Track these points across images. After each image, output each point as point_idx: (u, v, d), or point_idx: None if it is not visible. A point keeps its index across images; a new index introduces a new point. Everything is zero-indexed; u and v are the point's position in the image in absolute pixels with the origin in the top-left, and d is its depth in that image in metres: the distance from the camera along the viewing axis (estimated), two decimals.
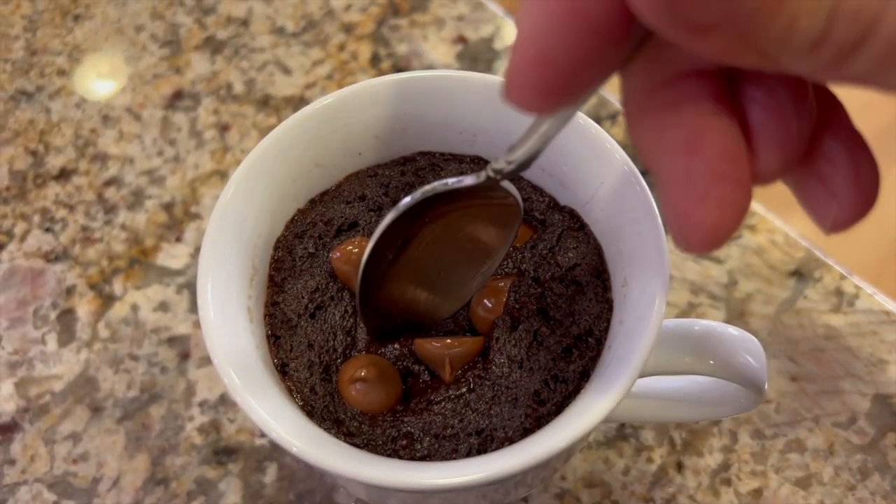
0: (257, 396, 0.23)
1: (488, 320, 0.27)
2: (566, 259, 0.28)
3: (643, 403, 0.30)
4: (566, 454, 0.28)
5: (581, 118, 0.27)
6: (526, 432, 0.24)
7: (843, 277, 0.37)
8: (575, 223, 0.28)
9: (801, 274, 0.37)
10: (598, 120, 0.42)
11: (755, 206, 0.39)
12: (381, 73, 0.44)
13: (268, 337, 0.27)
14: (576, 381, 0.25)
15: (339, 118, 0.28)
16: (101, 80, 0.44)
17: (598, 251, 0.28)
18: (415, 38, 0.45)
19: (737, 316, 0.36)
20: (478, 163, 0.30)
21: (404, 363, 0.27)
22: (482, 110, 0.29)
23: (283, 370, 0.26)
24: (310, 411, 0.26)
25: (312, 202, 0.29)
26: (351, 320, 0.27)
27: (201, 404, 0.35)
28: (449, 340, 0.26)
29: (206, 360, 0.36)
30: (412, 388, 0.26)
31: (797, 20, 0.14)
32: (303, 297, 0.28)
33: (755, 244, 0.38)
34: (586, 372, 0.25)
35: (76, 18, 0.47)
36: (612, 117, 0.42)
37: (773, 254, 0.38)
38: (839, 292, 0.36)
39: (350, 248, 0.28)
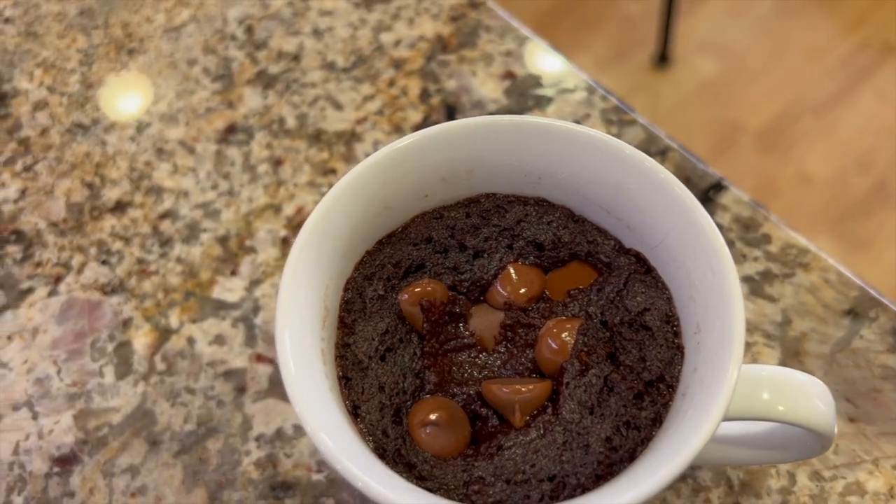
0: (351, 457, 0.23)
1: (555, 363, 0.27)
2: (635, 303, 0.27)
3: (708, 447, 0.30)
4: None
5: (648, 162, 0.27)
6: (598, 479, 0.24)
7: None
8: (642, 267, 0.29)
9: (856, 313, 0.37)
10: (648, 155, 0.42)
11: (808, 244, 0.39)
12: (431, 108, 0.44)
13: (339, 378, 0.27)
14: (648, 427, 0.25)
15: (410, 162, 0.29)
16: (155, 114, 0.45)
17: (667, 296, 0.28)
18: (463, 74, 0.45)
19: (792, 355, 0.36)
20: (542, 205, 0.30)
21: (472, 406, 0.27)
22: (548, 155, 0.29)
23: (355, 412, 0.27)
24: (382, 454, 0.26)
25: (381, 244, 0.30)
26: (419, 362, 0.28)
27: (258, 438, 0.35)
28: (518, 386, 0.26)
29: (263, 394, 0.37)
30: (480, 432, 0.26)
31: None
32: (373, 339, 0.28)
33: (808, 283, 0.38)
34: (659, 418, 0.25)
35: (130, 52, 0.48)
36: (663, 153, 0.42)
37: (826, 292, 0.38)
38: None
39: (417, 289, 0.28)
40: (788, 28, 1.75)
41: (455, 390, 0.27)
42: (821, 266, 0.38)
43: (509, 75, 0.45)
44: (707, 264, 0.25)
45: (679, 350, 0.26)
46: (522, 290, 0.28)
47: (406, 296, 0.28)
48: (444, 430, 0.26)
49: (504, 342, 0.28)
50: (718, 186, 0.41)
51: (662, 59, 1.64)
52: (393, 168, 0.29)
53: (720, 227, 0.40)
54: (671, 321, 0.27)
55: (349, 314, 0.28)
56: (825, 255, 0.38)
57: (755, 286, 0.38)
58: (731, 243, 0.39)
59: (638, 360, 0.26)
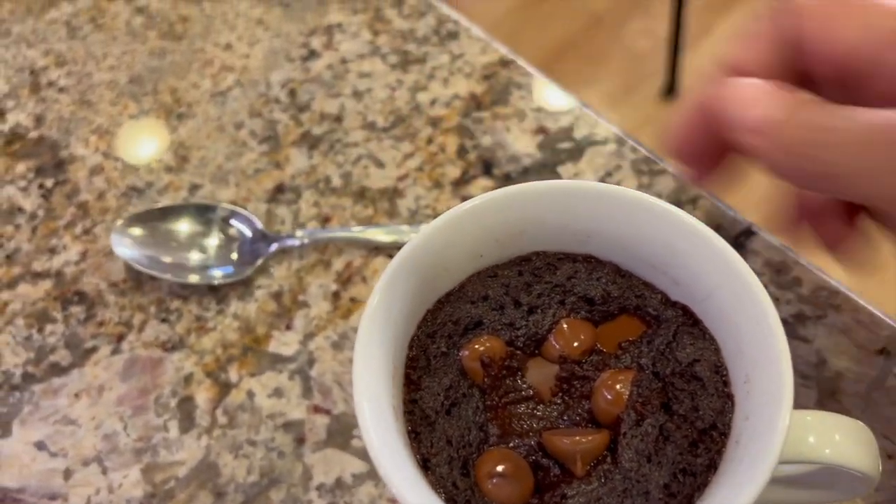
0: None
1: (612, 413, 0.28)
2: (685, 354, 0.29)
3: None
4: None
5: (694, 222, 0.29)
6: None
7: None
8: (689, 319, 0.30)
9: (889, 352, 0.38)
10: (679, 203, 0.44)
11: (839, 286, 0.41)
12: (469, 163, 0.46)
13: (409, 432, 0.29)
14: (703, 473, 0.27)
15: (467, 226, 0.31)
16: (207, 176, 0.48)
17: (715, 347, 0.29)
18: (498, 130, 0.48)
19: (828, 395, 0.38)
20: (589, 261, 0.32)
21: (534, 457, 0.28)
22: (597, 216, 0.31)
23: (425, 465, 0.28)
24: None
25: (440, 302, 0.32)
26: (483, 416, 0.29)
27: (318, 488, 0.37)
28: (577, 437, 0.27)
29: (321, 444, 0.38)
30: (543, 482, 0.28)
31: None
32: (439, 395, 0.30)
33: (841, 323, 0.39)
34: (713, 464, 0.27)
35: (179, 117, 0.50)
36: (693, 201, 0.44)
37: (859, 332, 0.39)
38: None
39: (477, 346, 0.30)
40: None
41: (517, 441, 0.28)
42: (852, 307, 0.40)
43: (541, 130, 0.48)
44: (754, 318, 0.27)
45: (730, 399, 0.28)
46: (576, 344, 0.30)
47: (467, 352, 0.30)
48: (510, 481, 0.27)
49: (560, 394, 0.29)
50: (749, 232, 0.43)
51: (670, 91, 1.67)
52: (452, 232, 0.31)
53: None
54: (720, 371, 0.28)
55: (415, 371, 0.30)
56: (855, 296, 0.40)
57: (789, 328, 0.40)
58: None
59: (691, 410, 0.28)
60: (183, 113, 0.50)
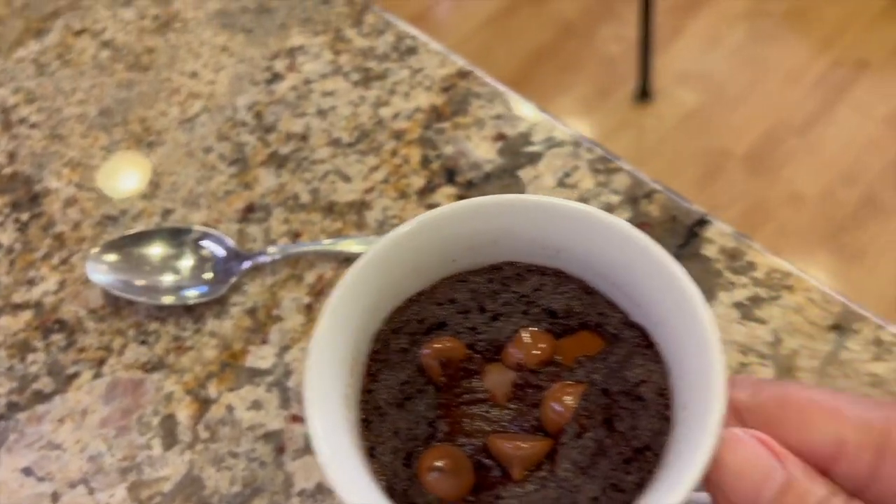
0: (357, 488, 0.26)
1: (557, 423, 0.29)
2: (634, 374, 0.30)
3: None
4: None
5: (655, 248, 0.30)
6: None
7: (879, 327, 0.40)
8: (644, 341, 0.31)
9: (841, 327, 0.40)
10: (635, 199, 0.46)
11: (791, 268, 0.42)
12: (433, 173, 0.48)
13: (361, 421, 0.30)
14: (632, 491, 0.27)
15: (440, 231, 0.32)
16: (179, 201, 0.49)
17: (663, 371, 0.30)
18: (459, 139, 0.49)
19: (785, 371, 0.39)
20: (558, 276, 0.33)
21: (478, 457, 0.29)
22: (566, 232, 0.32)
23: (371, 453, 0.30)
24: (391, 492, 0.29)
25: (409, 301, 0.33)
26: (434, 412, 0.30)
27: (300, 494, 0.38)
28: (520, 442, 0.29)
29: (301, 452, 0.39)
30: (483, 482, 0.29)
31: None
32: (393, 388, 0.31)
33: (794, 303, 0.41)
34: (642, 483, 0.28)
35: (150, 145, 0.51)
36: (648, 195, 0.46)
37: (812, 311, 0.41)
38: (878, 342, 0.39)
39: (437, 345, 0.31)
40: (763, 53, 1.80)
41: (464, 441, 0.30)
42: (804, 287, 0.41)
43: (501, 136, 0.49)
44: (698, 351, 0.27)
45: (668, 422, 0.29)
46: (534, 353, 0.31)
47: (427, 350, 0.31)
48: (449, 476, 0.29)
49: (514, 400, 0.30)
50: (703, 221, 0.44)
51: (644, 94, 1.70)
52: (424, 237, 0.32)
53: (708, 259, 0.43)
54: (664, 394, 0.29)
55: (375, 363, 0.31)
56: (807, 277, 0.42)
57: (745, 311, 0.41)
58: (718, 273, 0.42)
59: (630, 428, 0.29)
60: (153, 141, 0.51)
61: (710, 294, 0.42)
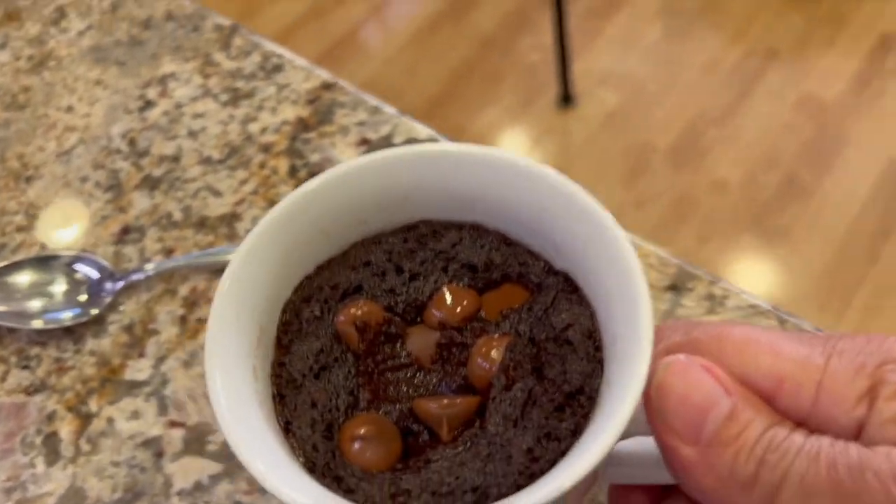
0: (271, 467, 0.25)
1: (485, 379, 0.28)
2: (560, 320, 0.29)
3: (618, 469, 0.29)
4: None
5: (567, 185, 0.29)
6: (519, 489, 0.25)
7: (711, 283, 0.43)
8: (569, 286, 0.30)
9: (676, 287, 0.43)
10: None
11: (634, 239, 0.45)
12: (300, 181, 0.50)
13: (273, 396, 0.29)
14: (568, 438, 0.26)
15: (347, 189, 0.30)
16: (56, 230, 0.51)
17: (590, 313, 0.29)
18: (325, 147, 0.52)
19: None
20: (476, 229, 0.32)
21: (405, 423, 0.28)
22: (477, 181, 0.30)
23: (287, 428, 0.28)
24: (311, 468, 0.27)
25: (320, 268, 0.31)
26: (354, 381, 0.29)
27: (179, 493, 0.40)
28: (446, 401, 0.28)
29: (179, 454, 0.41)
30: (412, 447, 0.28)
31: None
32: (307, 358, 0.29)
33: None
34: (578, 429, 0.26)
35: (28, 180, 0.53)
36: None
37: (650, 274, 0.44)
38: (710, 296, 0.42)
39: (353, 310, 0.30)
40: (679, 48, 1.86)
41: (388, 408, 0.28)
42: (643, 252, 0.44)
43: (365, 141, 0.52)
44: (618, 275, 0.27)
45: (599, 363, 0.28)
46: (457, 310, 0.30)
47: (342, 317, 0.30)
48: (373, 445, 0.27)
49: (439, 361, 0.29)
50: None
51: (566, 99, 1.74)
52: (328, 196, 0.30)
53: None
54: (593, 336, 0.28)
55: (286, 335, 0.30)
56: (643, 243, 0.45)
57: None
58: None
59: (560, 374, 0.27)
60: (31, 175, 0.53)
61: None
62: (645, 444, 0.28)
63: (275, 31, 1.76)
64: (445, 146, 0.30)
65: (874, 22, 1.83)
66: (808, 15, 1.85)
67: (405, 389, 0.29)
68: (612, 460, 0.28)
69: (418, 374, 0.29)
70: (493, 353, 0.28)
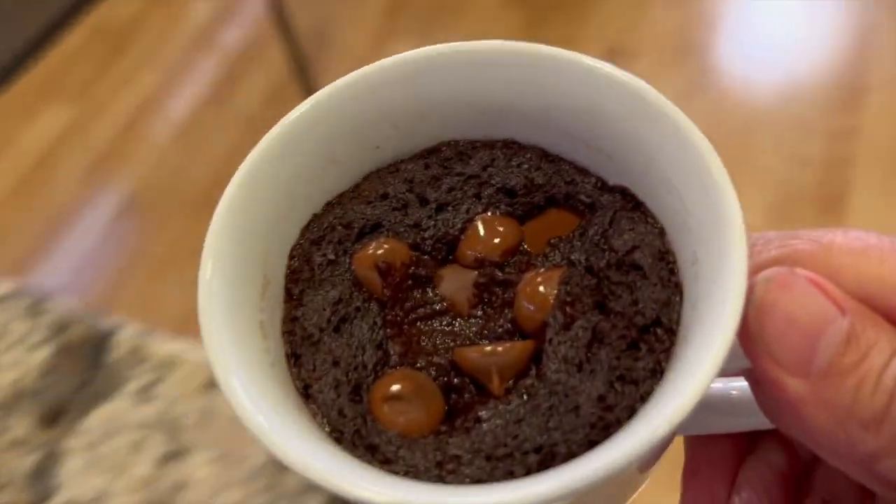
0: (289, 437, 0.20)
1: (537, 320, 0.24)
2: (622, 242, 0.24)
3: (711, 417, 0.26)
4: (647, 461, 0.24)
5: (622, 75, 0.24)
6: (592, 445, 0.22)
7: None
8: (629, 202, 0.25)
9: (213, 384, 0.48)
10: (59, 331, 0.46)
11: (180, 347, 0.50)
12: None
13: (287, 356, 0.24)
14: (647, 380, 0.22)
15: (350, 109, 0.26)
16: None
17: (659, 230, 0.25)
18: None
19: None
20: (510, 147, 0.27)
21: (446, 378, 0.24)
22: (507, 85, 0.26)
23: (306, 392, 0.24)
24: (339, 437, 0.23)
25: (330, 205, 0.26)
26: (381, 333, 0.25)
27: None
28: (494, 347, 0.24)
29: None
30: (456, 405, 0.24)
31: None
32: (324, 310, 0.25)
33: (180, 376, 0.50)
34: (658, 368, 0.23)
35: None
36: (68, 327, 0.47)
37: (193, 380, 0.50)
38: None
39: (372, 251, 0.25)
40: None
41: (424, 362, 0.24)
42: (186, 361, 0.50)
43: None
44: (699, 182, 0.22)
45: (677, 288, 0.23)
46: (495, 243, 0.26)
47: (360, 259, 0.25)
48: (411, 404, 0.23)
49: (480, 305, 0.25)
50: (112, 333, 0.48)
51: None
52: (329, 119, 0.25)
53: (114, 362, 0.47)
54: (665, 257, 0.24)
55: (296, 285, 0.25)
56: (189, 355, 0.51)
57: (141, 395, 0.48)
58: (121, 373, 0.47)
59: (630, 305, 0.23)
60: None
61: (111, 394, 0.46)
62: (731, 384, 0.25)
63: (39, 149, 1.59)
64: (461, 46, 0.26)
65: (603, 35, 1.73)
66: (542, 40, 1.86)
67: (442, 340, 0.25)
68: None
69: (456, 322, 0.25)
70: (545, 289, 0.24)
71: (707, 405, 0.22)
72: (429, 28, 1.73)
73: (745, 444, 0.27)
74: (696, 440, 0.27)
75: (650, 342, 0.23)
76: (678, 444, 0.26)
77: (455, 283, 0.25)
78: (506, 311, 0.25)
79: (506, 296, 0.25)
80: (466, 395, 0.24)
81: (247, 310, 0.23)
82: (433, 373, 0.24)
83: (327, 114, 0.25)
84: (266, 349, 0.23)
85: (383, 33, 1.76)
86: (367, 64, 0.25)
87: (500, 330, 0.25)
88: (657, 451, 0.24)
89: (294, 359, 0.24)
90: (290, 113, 0.25)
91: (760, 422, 0.23)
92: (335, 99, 0.26)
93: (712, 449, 0.27)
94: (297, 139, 0.25)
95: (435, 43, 0.26)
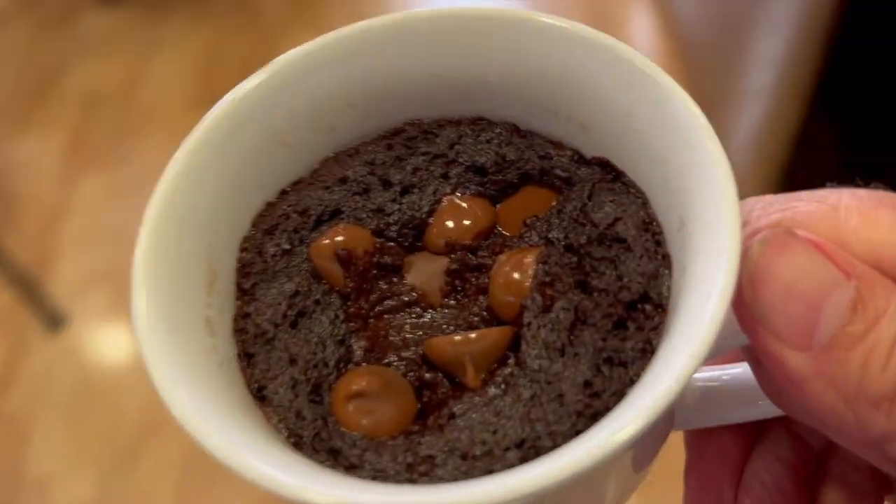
0: (232, 441, 0.18)
1: (515, 305, 0.22)
2: (602, 215, 0.23)
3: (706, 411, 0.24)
4: (641, 456, 0.22)
5: (589, 33, 0.22)
6: (579, 436, 0.19)
7: None
8: (608, 174, 0.24)
9: None
10: None
11: None
12: None
13: (239, 356, 0.22)
14: (637, 360, 0.20)
15: (303, 84, 0.23)
16: None
17: (641, 200, 0.23)
18: None
19: None
20: (478, 123, 0.25)
21: (417, 372, 0.22)
22: (471, 54, 0.23)
23: (260, 394, 0.22)
24: (297, 442, 0.21)
25: (284, 192, 0.25)
26: (343, 327, 0.23)
27: None
28: (468, 335, 0.21)
29: None
30: (429, 402, 0.22)
31: None
32: (279, 304, 0.23)
33: None
34: (649, 346, 0.20)
35: None
36: None
37: None
38: None
39: (330, 238, 0.23)
40: None
41: (393, 358, 0.22)
42: None
43: None
44: (681, 138, 0.21)
45: (664, 260, 0.22)
46: (467, 226, 0.24)
47: (318, 247, 0.23)
48: (378, 402, 0.21)
49: (452, 293, 0.23)
50: None
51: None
52: (281, 94, 0.23)
53: None
54: (650, 227, 0.22)
55: (248, 278, 0.23)
56: None
57: None
58: None
59: (614, 281, 0.22)
60: None
61: None
62: (730, 370, 0.23)
63: None
64: (423, 11, 0.23)
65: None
66: None
67: (412, 333, 0.23)
68: (687, 399, 0.22)
69: (427, 313, 0.23)
70: (520, 270, 0.22)
71: (705, 395, 0.21)
72: None
73: (751, 436, 0.24)
74: (696, 435, 0.25)
75: (638, 319, 0.21)
76: (677, 440, 0.24)
77: (425, 271, 0.24)
78: (480, 298, 0.23)
79: (480, 282, 0.23)
80: (440, 391, 0.22)
81: (190, 304, 0.22)
82: (403, 368, 0.22)
83: (273, 93, 0.23)
84: (213, 347, 0.22)
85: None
86: None
87: (475, 319, 0.23)
88: (651, 444, 0.22)
89: (247, 358, 0.23)
90: (234, 90, 0.23)
91: (764, 411, 0.21)
92: (283, 76, 0.23)
93: (715, 443, 0.25)
94: (243, 119, 0.23)
95: None
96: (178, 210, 0.22)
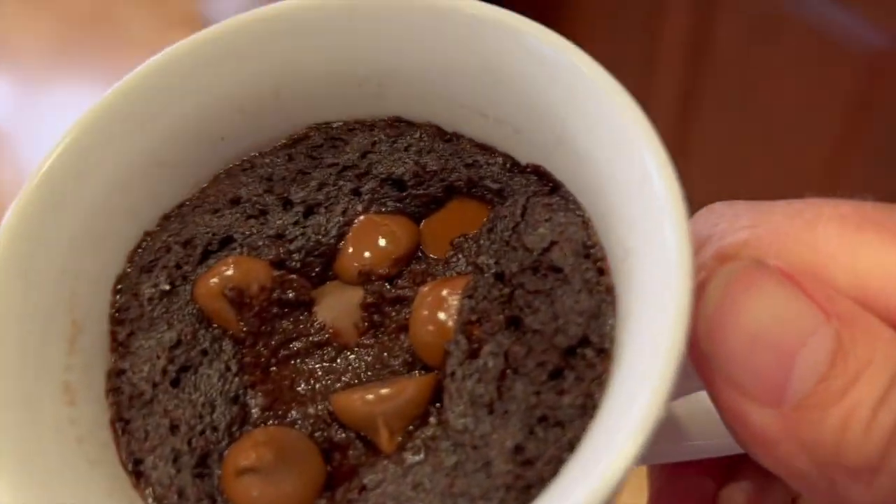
0: None
1: (438, 347, 0.19)
2: (537, 238, 0.19)
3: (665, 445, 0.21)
4: None
5: (522, 25, 0.18)
6: None
7: None
8: (545, 185, 0.20)
9: None
10: None
11: None
12: None
13: (112, 423, 0.19)
14: (576, 419, 0.17)
15: (176, 90, 0.19)
16: None
17: (581, 220, 0.19)
18: None
19: None
20: (395, 126, 0.22)
21: (324, 431, 0.19)
22: (381, 44, 0.20)
23: (136, 470, 0.19)
24: None
25: (167, 218, 0.21)
26: (236, 381, 0.19)
27: None
28: (380, 391, 0.18)
29: None
30: (339, 469, 0.19)
31: None
32: (158, 358, 0.19)
33: None
34: (591, 402, 0.17)
35: None
36: None
37: None
38: None
39: (217, 276, 0.20)
40: None
41: (296, 415, 0.19)
42: None
43: None
44: (624, 149, 0.17)
45: (608, 293, 0.18)
46: (384, 249, 0.20)
47: (203, 286, 0.20)
48: (276, 476, 0.18)
49: (370, 330, 0.20)
50: None
51: None
52: (151, 103, 0.19)
53: None
54: (590, 253, 0.19)
55: (123, 326, 0.20)
56: None
57: None
58: None
59: (549, 320, 0.18)
60: None
61: None
62: (695, 400, 0.20)
63: None
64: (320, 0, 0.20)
65: None
66: None
67: (323, 381, 0.20)
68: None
69: (340, 356, 0.20)
70: (445, 307, 0.19)
71: (667, 428, 0.18)
72: None
73: (721, 472, 0.21)
74: (660, 471, 0.23)
75: (577, 368, 0.18)
76: (640, 471, 0.21)
77: (337, 306, 0.20)
78: (402, 336, 0.20)
79: (401, 316, 0.20)
80: (352, 454, 0.19)
81: (41, 372, 0.18)
82: (309, 427, 0.19)
83: (142, 103, 0.19)
84: (71, 420, 0.18)
85: None
86: None
87: (396, 362, 0.20)
88: None
89: (122, 424, 0.19)
90: (100, 100, 0.19)
91: (732, 444, 0.17)
92: (153, 81, 0.19)
93: (681, 480, 0.22)
94: (99, 143, 0.19)
95: None
96: (20, 261, 0.18)
